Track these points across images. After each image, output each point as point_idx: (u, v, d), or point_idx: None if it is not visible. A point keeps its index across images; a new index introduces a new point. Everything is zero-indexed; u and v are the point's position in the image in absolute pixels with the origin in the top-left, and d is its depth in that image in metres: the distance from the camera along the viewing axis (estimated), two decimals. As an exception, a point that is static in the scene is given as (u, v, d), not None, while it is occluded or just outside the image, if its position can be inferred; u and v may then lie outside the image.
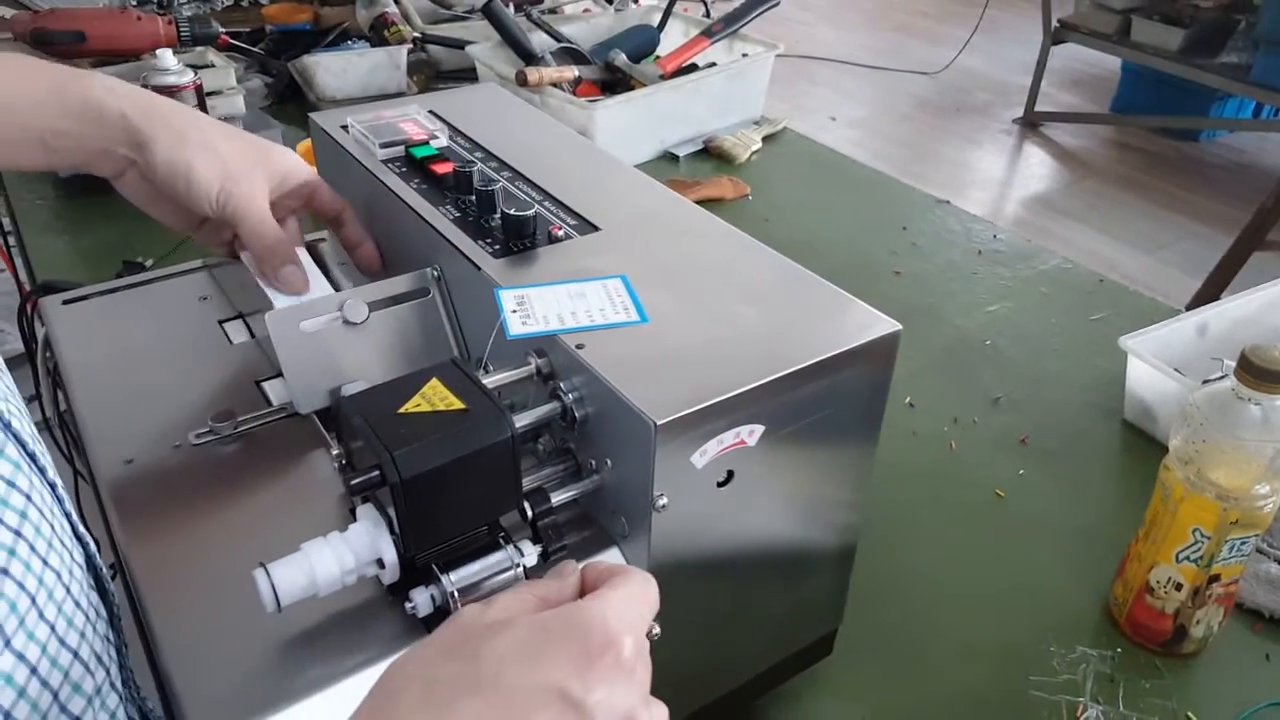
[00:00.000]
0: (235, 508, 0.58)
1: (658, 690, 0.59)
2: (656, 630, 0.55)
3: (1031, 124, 4.08)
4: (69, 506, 0.40)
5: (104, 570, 0.41)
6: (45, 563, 0.34)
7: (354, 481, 0.44)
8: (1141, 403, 1.03)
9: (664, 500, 0.50)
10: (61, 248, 1.26)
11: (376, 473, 0.44)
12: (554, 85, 1.42)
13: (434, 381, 0.49)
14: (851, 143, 3.80)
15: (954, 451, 0.99)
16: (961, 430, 1.02)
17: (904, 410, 1.05)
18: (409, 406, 0.47)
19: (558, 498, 0.53)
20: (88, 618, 0.37)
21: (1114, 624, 0.79)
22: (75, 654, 0.34)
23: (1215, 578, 0.73)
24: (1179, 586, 0.74)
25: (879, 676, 0.74)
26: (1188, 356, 1.02)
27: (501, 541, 0.51)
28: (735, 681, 0.65)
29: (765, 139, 1.60)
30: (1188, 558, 0.72)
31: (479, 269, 0.61)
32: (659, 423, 0.47)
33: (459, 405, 0.47)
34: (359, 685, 0.47)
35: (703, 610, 0.59)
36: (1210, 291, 2.30)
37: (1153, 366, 0.98)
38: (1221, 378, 0.72)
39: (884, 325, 0.56)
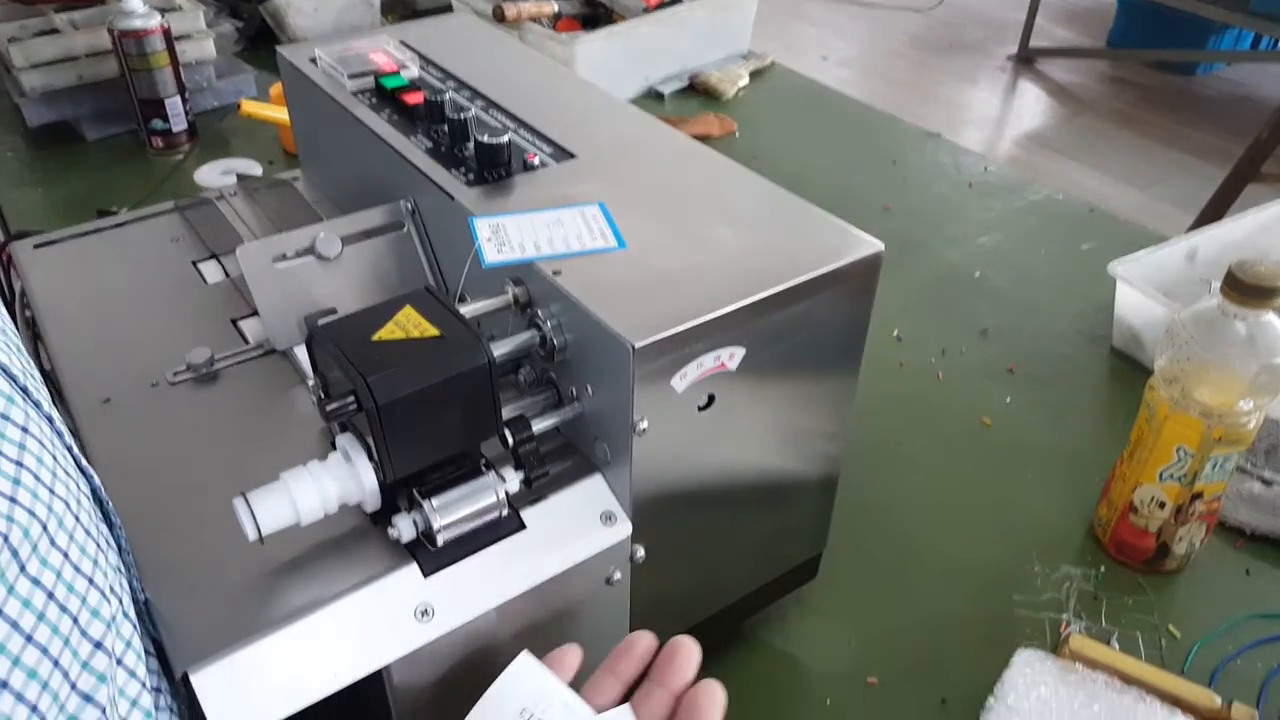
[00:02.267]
0: (214, 444, 0.57)
1: (646, 613, 0.59)
2: (641, 553, 0.55)
3: (1026, 60, 4.02)
4: (69, 440, 0.40)
5: (109, 504, 0.41)
6: (53, 492, 0.34)
7: (330, 408, 0.44)
8: (1130, 329, 1.02)
9: (644, 424, 0.50)
10: (35, 200, 1.24)
11: (352, 399, 0.44)
12: (533, 20, 1.39)
13: (408, 309, 0.49)
14: (843, 82, 3.74)
15: (941, 382, 0.99)
16: (949, 361, 1.02)
17: (891, 343, 1.05)
18: (383, 333, 0.47)
19: (539, 425, 0.53)
20: (99, 546, 0.37)
21: (1098, 544, 0.80)
22: (90, 581, 0.34)
23: (1198, 495, 0.73)
24: (1162, 505, 0.74)
25: (864, 598, 0.75)
26: (1177, 282, 1.01)
27: (483, 468, 0.51)
28: (721, 604, 0.65)
29: (753, 75, 1.58)
30: (1171, 476, 0.73)
31: (452, 199, 0.60)
32: (637, 346, 0.47)
33: (433, 331, 0.47)
34: (344, 611, 0.47)
35: (687, 534, 0.59)
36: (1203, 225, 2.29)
37: (1141, 292, 0.97)
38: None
39: (866, 245, 0.55)
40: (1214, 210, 2.33)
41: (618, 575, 0.55)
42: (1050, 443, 0.91)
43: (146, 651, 0.42)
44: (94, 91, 1.35)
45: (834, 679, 0.69)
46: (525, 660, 0.44)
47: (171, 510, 0.52)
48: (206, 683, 0.43)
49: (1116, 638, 0.72)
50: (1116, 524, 0.77)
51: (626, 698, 0.45)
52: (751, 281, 0.52)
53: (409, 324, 0.48)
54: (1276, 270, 0.67)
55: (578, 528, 0.53)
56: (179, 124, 1.35)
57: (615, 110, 0.72)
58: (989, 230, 1.26)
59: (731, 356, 0.52)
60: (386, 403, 0.44)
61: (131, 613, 0.38)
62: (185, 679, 0.43)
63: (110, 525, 0.42)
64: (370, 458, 0.47)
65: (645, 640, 0.45)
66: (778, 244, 0.56)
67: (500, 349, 0.52)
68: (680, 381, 0.50)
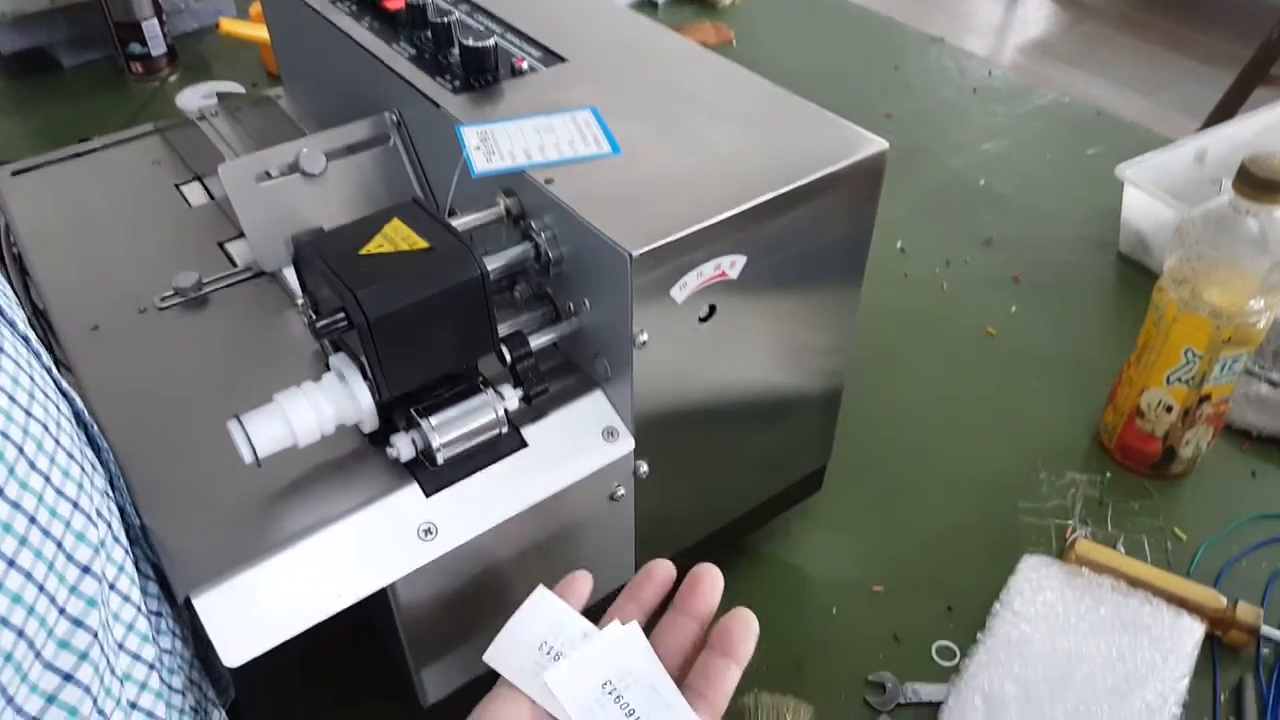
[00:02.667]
0: (207, 369, 0.56)
1: (650, 529, 0.59)
2: (644, 469, 0.55)
3: (1027, -38, 3.90)
4: (47, 361, 0.38)
5: (94, 426, 0.40)
6: (29, 413, 0.32)
7: (319, 325, 0.42)
8: (1137, 233, 1.00)
9: (644, 337, 0.49)
10: (12, 129, 1.21)
11: (342, 315, 0.43)
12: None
13: (395, 221, 0.47)
14: (838, -11, 3.63)
15: (945, 292, 0.98)
16: (953, 271, 1.00)
17: (895, 254, 1.03)
18: (371, 247, 0.45)
19: (536, 341, 0.52)
20: (84, 469, 0.35)
21: (1104, 450, 0.79)
22: (75, 504, 0.33)
23: (1205, 398, 0.72)
24: (1169, 409, 0.73)
25: (869, 509, 0.75)
26: (1185, 185, 0.99)
27: (481, 386, 0.49)
28: (726, 518, 0.65)
29: (748, -20, 1.52)
30: (1179, 379, 0.72)
31: (438, 107, 0.57)
32: (635, 254, 0.45)
33: (423, 244, 0.45)
34: (346, 531, 0.46)
35: (691, 449, 0.58)
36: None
37: (1149, 195, 0.95)
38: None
39: (871, 144, 0.53)
40: (1221, 114, 2.27)
41: (621, 491, 0.54)
42: (1056, 351, 0.90)
43: (145, 575, 0.41)
44: (68, 16, 1.30)
45: (839, 588, 0.69)
46: (541, 593, 0.43)
47: (167, 436, 0.51)
48: (209, 606, 0.42)
49: (1122, 542, 0.71)
50: (1123, 429, 0.77)
51: (649, 627, 0.44)
52: (753, 185, 0.50)
53: (397, 237, 0.46)
54: (1291, 164, 0.65)
55: (579, 444, 0.52)
56: (157, 47, 1.30)
57: (607, 13, 0.69)
58: (993, 136, 1.23)
59: (733, 265, 0.50)
60: (378, 317, 0.42)
61: (123, 537, 0.37)
62: (188, 603, 0.42)
63: (97, 450, 0.41)
64: (365, 376, 0.46)
65: (665, 568, 0.45)
66: (779, 146, 0.54)
67: (493, 263, 0.51)
68: (680, 292, 0.49)
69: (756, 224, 0.50)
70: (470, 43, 0.58)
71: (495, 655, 0.42)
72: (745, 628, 0.42)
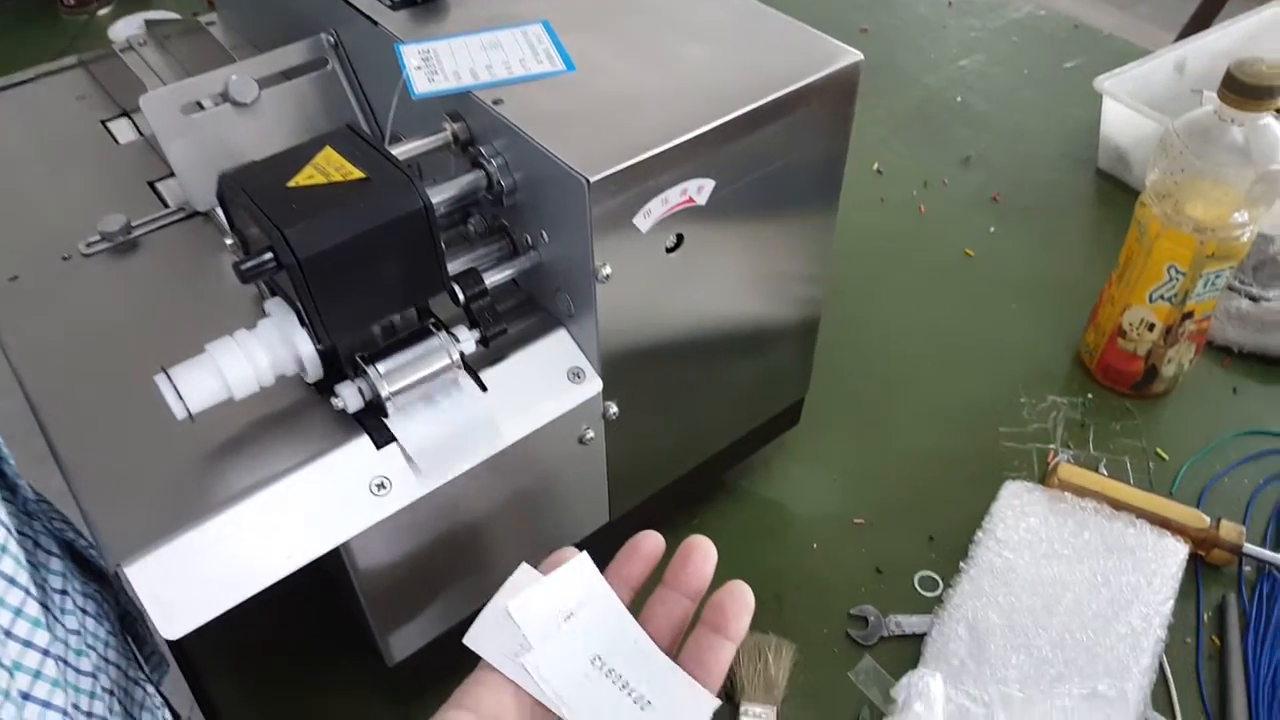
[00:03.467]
0: (138, 320, 0.52)
1: (623, 472, 0.56)
2: (614, 410, 0.52)
3: None
4: None
5: None
6: None
7: (245, 267, 0.39)
8: (1116, 148, 0.97)
9: (607, 270, 0.45)
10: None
11: (269, 255, 0.39)
12: None
13: (328, 150, 0.43)
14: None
15: (923, 215, 0.95)
16: (931, 193, 0.97)
17: (872, 177, 1.00)
18: (300, 179, 0.41)
19: (492, 278, 0.48)
20: None
21: (1085, 372, 0.78)
22: None
23: (1188, 315, 0.70)
24: (1151, 327, 0.71)
25: (848, 440, 0.73)
26: (1165, 97, 0.96)
27: (434, 328, 0.46)
28: (702, 456, 0.63)
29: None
30: (1162, 296, 0.70)
31: (376, 24, 0.53)
32: (592, 180, 0.42)
33: (358, 174, 0.41)
34: (291, 489, 0.43)
35: (662, 387, 0.55)
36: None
37: (1129, 107, 0.92)
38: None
39: (844, 56, 0.50)
40: (1197, 25, 2.23)
41: (590, 434, 0.52)
42: (1036, 272, 0.88)
43: (46, 552, 0.37)
44: (-14, -57, 1.22)
45: (820, 522, 0.67)
46: (524, 571, 0.40)
47: (94, 395, 0.48)
48: (142, 576, 0.39)
49: (1104, 464, 0.70)
50: (1104, 349, 0.75)
51: (638, 604, 0.41)
52: (718, 102, 0.46)
53: (330, 167, 0.42)
54: (1277, 68, 0.62)
55: (544, 387, 0.49)
56: (89, -24, 1.23)
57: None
58: (970, 51, 1.19)
59: (700, 189, 0.47)
60: (308, 256, 0.39)
61: (5, 516, 0.33)
62: (118, 575, 0.39)
63: None
64: (302, 322, 0.42)
65: (651, 540, 0.41)
66: (747, 60, 0.50)
67: (440, 194, 0.47)
68: (644, 220, 0.45)
69: (724, 144, 0.46)
70: (408, -46, 0.54)
71: (476, 637, 0.39)
72: (740, 603, 0.39)
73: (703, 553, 0.41)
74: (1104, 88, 0.94)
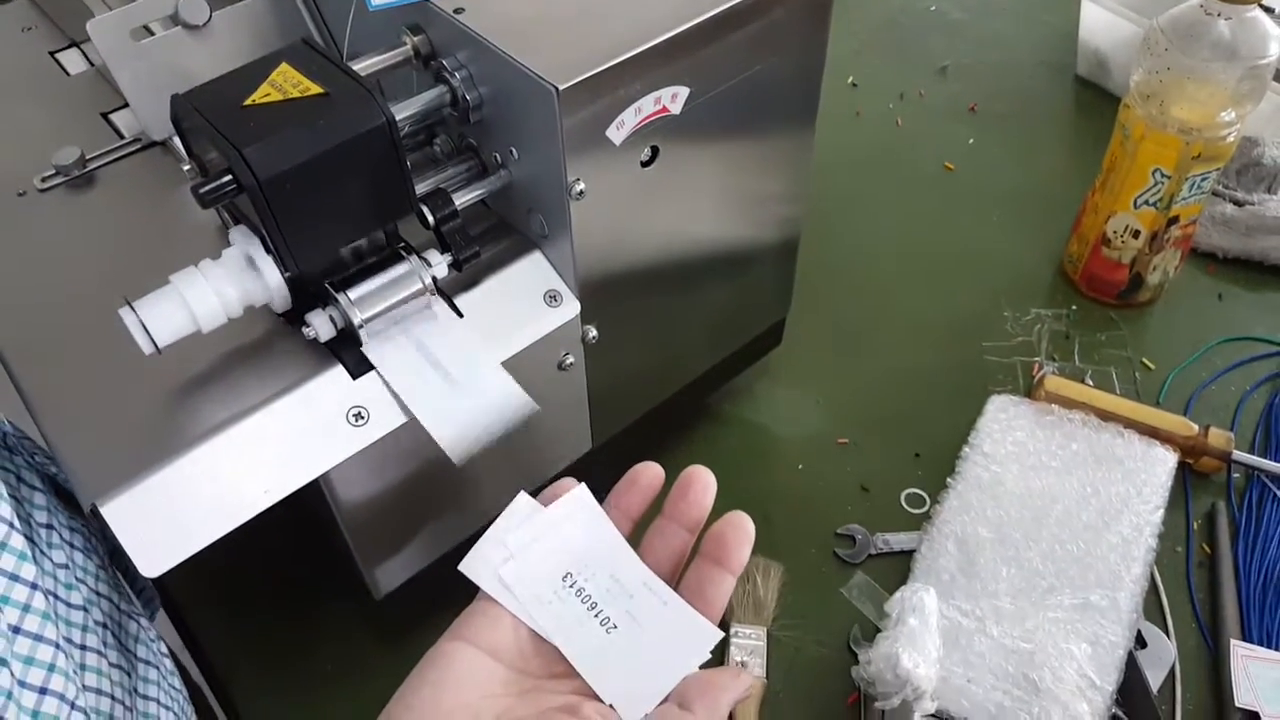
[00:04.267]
0: (98, 256, 0.50)
1: (604, 397, 0.56)
2: (593, 334, 0.51)
3: None
4: None
5: None
6: None
7: (203, 190, 0.37)
8: (1096, 53, 0.96)
9: (581, 186, 0.44)
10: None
11: (229, 178, 0.37)
12: None
13: (284, 67, 0.41)
14: None
15: (900, 128, 0.93)
16: (908, 106, 0.95)
17: (846, 90, 0.97)
18: (257, 97, 0.39)
19: (461, 199, 0.47)
20: None
21: (1069, 283, 0.77)
22: None
23: (1174, 220, 0.69)
24: (1136, 234, 0.71)
25: (831, 360, 0.72)
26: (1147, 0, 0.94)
27: (404, 253, 0.45)
28: (684, 380, 0.62)
29: None
30: (1147, 201, 0.69)
31: (330, -64, 0.50)
32: (561, 88, 0.40)
33: (316, 89, 0.39)
34: (266, 422, 0.42)
35: (642, 309, 0.54)
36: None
37: (1108, 10, 0.90)
38: (1184, 9, 0.66)
39: (819, -46, 0.47)
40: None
41: (570, 359, 0.51)
42: (1015, 182, 0.86)
43: (29, 486, 0.36)
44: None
45: (804, 443, 0.67)
46: (522, 500, 0.39)
47: (58, 334, 0.46)
48: (119, 514, 0.38)
49: (1090, 375, 0.70)
50: (1088, 259, 0.74)
51: (637, 535, 0.40)
52: (689, 3, 0.44)
53: (287, 84, 0.40)
54: (1269, -41, 0.61)
55: (520, 311, 0.48)
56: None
57: None
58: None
59: (674, 98, 0.45)
60: (269, 177, 0.37)
61: None
62: (95, 513, 0.38)
63: None
64: (268, 250, 0.41)
65: (651, 472, 0.40)
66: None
67: (403, 111, 0.45)
68: (617, 132, 0.44)
69: (698, 48, 0.44)
70: None
71: (471, 565, 0.38)
72: (741, 534, 0.38)
73: (702, 484, 0.40)
74: (1084, -9, 0.92)
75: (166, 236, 0.51)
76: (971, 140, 0.91)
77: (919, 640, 0.48)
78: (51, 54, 0.64)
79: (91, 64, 0.63)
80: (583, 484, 0.40)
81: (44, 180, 0.54)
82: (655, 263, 0.52)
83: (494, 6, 0.44)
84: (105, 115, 0.59)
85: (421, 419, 0.42)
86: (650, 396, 0.60)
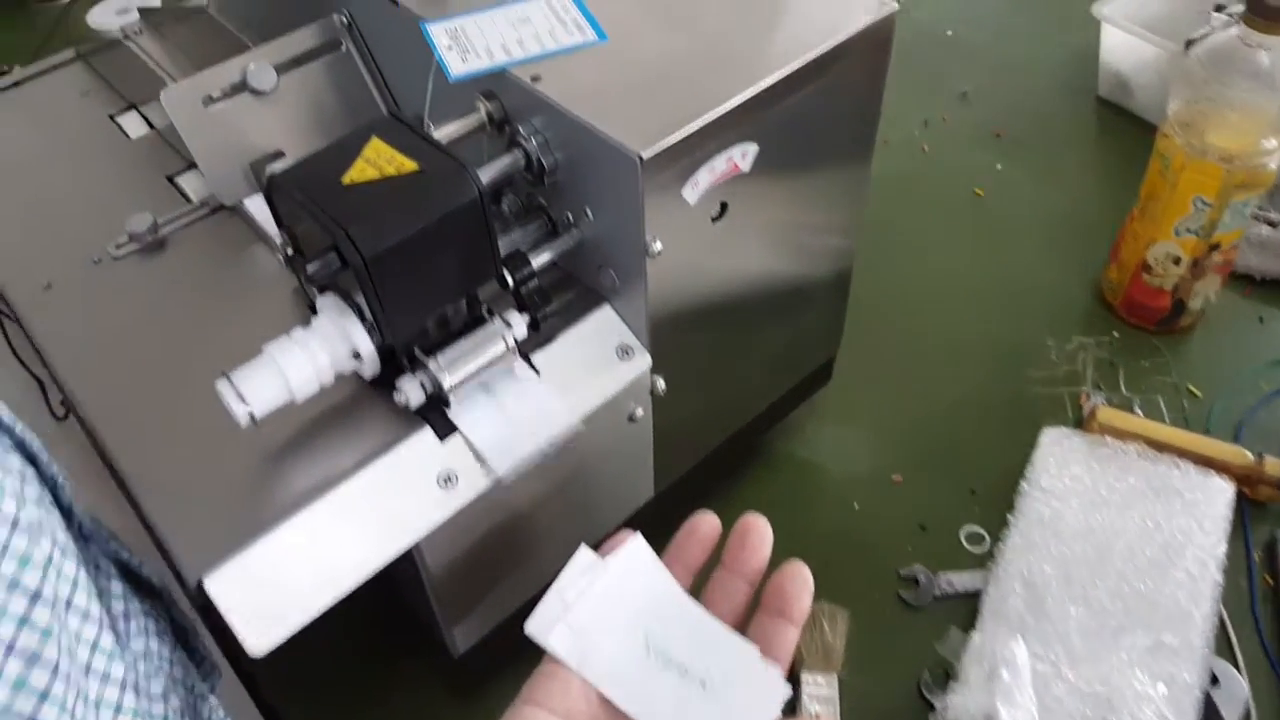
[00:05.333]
0: (177, 320, 0.51)
1: (670, 444, 0.56)
2: (661, 384, 0.52)
3: None
4: None
5: (16, 427, 0.34)
6: None
7: (311, 270, 0.38)
8: (1117, 75, 0.97)
9: (658, 246, 0.45)
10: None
11: (333, 255, 0.38)
12: None
13: (375, 141, 0.42)
14: None
15: (927, 154, 0.94)
16: (933, 132, 0.96)
17: (873, 120, 0.99)
18: (354, 174, 0.40)
19: (538, 259, 0.48)
20: (18, 480, 0.30)
21: (1109, 309, 0.78)
22: (13, 525, 0.28)
23: (1215, 246, 0.70)
24: (1177, 261, 0.72)
25: (878, 395, 0.73)
26: (1164, 19, 0.95)
27: (486, 315, 0.46)
28: (741, 422, 0.63)
29: None
30: (1188, 229, 0.70)
31: (395, 3, 0.51)
32: (645, 156, 0.41)
33: (411, 165, 0.40)
34: (360, 489, 0.43)
35: (706, 355, 0.55)
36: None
37: (1130, 33, 0.91)
38: (1209, 34, 0.67)
39: (878, 6, 0.49)
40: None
41: (639, 412, 0.52)
42: (1047, 208, 0.87)
43: (105, 575, 0.36)
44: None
45: (858, 482, 0.67)
46: (583, 555, 0.39)
47: (145, 402, 0.47)
48: (224, 589, 0.39)
49: (1138, 404, 0.71)
50: (1129, 286, 0.75)
51: (698, 586, 0.40)
52: (758, 65, 0.45)
53: (380, 159, 0.41)
54: (1305, -10, 0.62)
55: (594, 367, 0.49)
56: (53, -41, 1.19)
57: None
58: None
59: (744, 155, 0.46)
60: (375, 254, 0.38)
61: (71, 545, 0.32)
62: (200, 588, 0.39)
63: (31, 457, 0.34)
64: (363, 319, 0.42)
65: (709, 523, 0.40)
66: (779, 15, 0.49)
67: (481, 174, 0.46)
68: (693, 191, 0.45)
69: (767, 108, 0.46)
70: (422, -74, 0.52)
71: (537, 625, 0.37)
72: (800, 585, 0.38)
73: (759, 533, 0.40)
74: (1103, 14, 0.93)
75: (242, 299, 0.52)
76: (999, 165, 0.92)
77: (1013, 695, 0.48)
78: (111, 117, 0.66)
79: (152, 126, 0.64)
80: (638, 534, 0.40)
81: (118, 247, 0.55)
82: (720, 308, 0.53)
83: (568, 72, 0.46)
84: (171, 179, 0.60)
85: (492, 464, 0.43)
86: (710, 441, 0.61)
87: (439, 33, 0.48)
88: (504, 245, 0.48)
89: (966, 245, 0.85)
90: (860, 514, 0.65)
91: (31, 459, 0.33)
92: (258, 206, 0.55)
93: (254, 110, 0.55)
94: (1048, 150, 0.94)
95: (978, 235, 0.86)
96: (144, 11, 0.73)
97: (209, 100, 0.54)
